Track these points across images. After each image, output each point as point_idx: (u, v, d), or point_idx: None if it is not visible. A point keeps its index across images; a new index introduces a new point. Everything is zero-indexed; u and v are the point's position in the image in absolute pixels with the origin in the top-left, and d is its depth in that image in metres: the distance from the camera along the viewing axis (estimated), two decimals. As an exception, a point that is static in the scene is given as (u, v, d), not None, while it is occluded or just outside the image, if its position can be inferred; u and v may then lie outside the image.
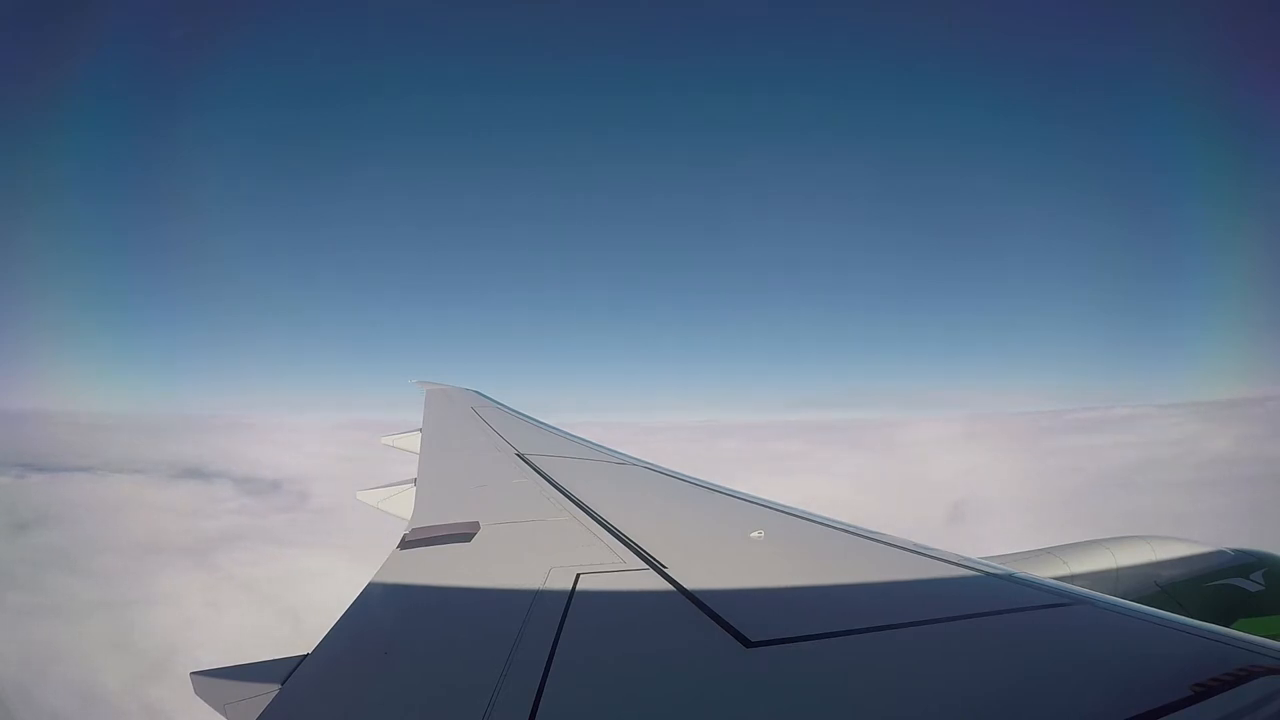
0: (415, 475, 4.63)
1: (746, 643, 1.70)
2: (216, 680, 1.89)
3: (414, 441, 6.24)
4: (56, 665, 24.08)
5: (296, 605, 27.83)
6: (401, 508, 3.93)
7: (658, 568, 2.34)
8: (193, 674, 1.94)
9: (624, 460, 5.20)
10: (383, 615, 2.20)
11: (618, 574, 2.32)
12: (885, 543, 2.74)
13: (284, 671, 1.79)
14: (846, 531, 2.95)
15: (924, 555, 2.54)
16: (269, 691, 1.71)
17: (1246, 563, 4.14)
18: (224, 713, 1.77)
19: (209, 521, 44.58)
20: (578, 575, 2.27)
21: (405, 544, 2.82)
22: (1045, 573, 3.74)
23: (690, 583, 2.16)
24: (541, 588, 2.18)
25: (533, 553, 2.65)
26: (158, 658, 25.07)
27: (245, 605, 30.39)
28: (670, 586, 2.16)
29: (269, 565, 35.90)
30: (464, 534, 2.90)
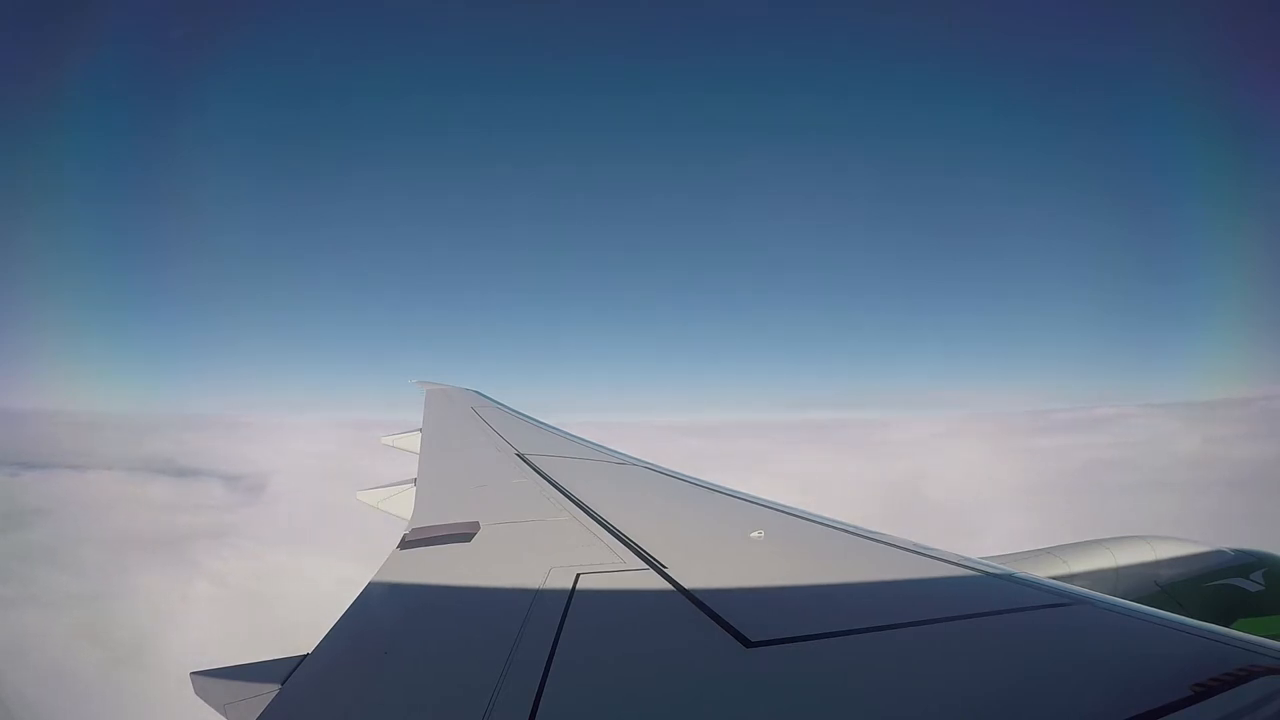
0: (415, 475, 4.63)
1: (746, 643, 1.70)
2: (216, 680, 1.89)
3: (414, 441, 6.24)
4: (35, 654, 24.28)
5: (275, 603, 28.10)
6: (401, 508, 3.93)
7: (658, 568, 2.34)
8: (193, 674, 1.94)
9: (624, 460, 5.20)
10: (383, 615, 2.20)
11: (618, 574, 2.31)
12: (885, 543, 2.74)
13: (284, 671, 1.79)
14: (846, 531, 2.95)
15: (924, 555, 2.54)
16: (269, 691, 1.71)
17: (1246, 563, 4.14)
18: (224, 713, 1.77)
19: (197, 519, 44.64)
20: (578, 575, 2.27)
21: (405, 544, 2.81)
22: (1045, 573, 3.74)
23: (690, 583, 2.16)
24: (541, 588, 2.17)
25: (533, 553, 2.65)
26: (132, 648, 25.50)
27: (223, 602, 30.51)
28: (670, 586, 2.16)
29: (256, 563, 35.99)
30: (464, 534, 2.90)
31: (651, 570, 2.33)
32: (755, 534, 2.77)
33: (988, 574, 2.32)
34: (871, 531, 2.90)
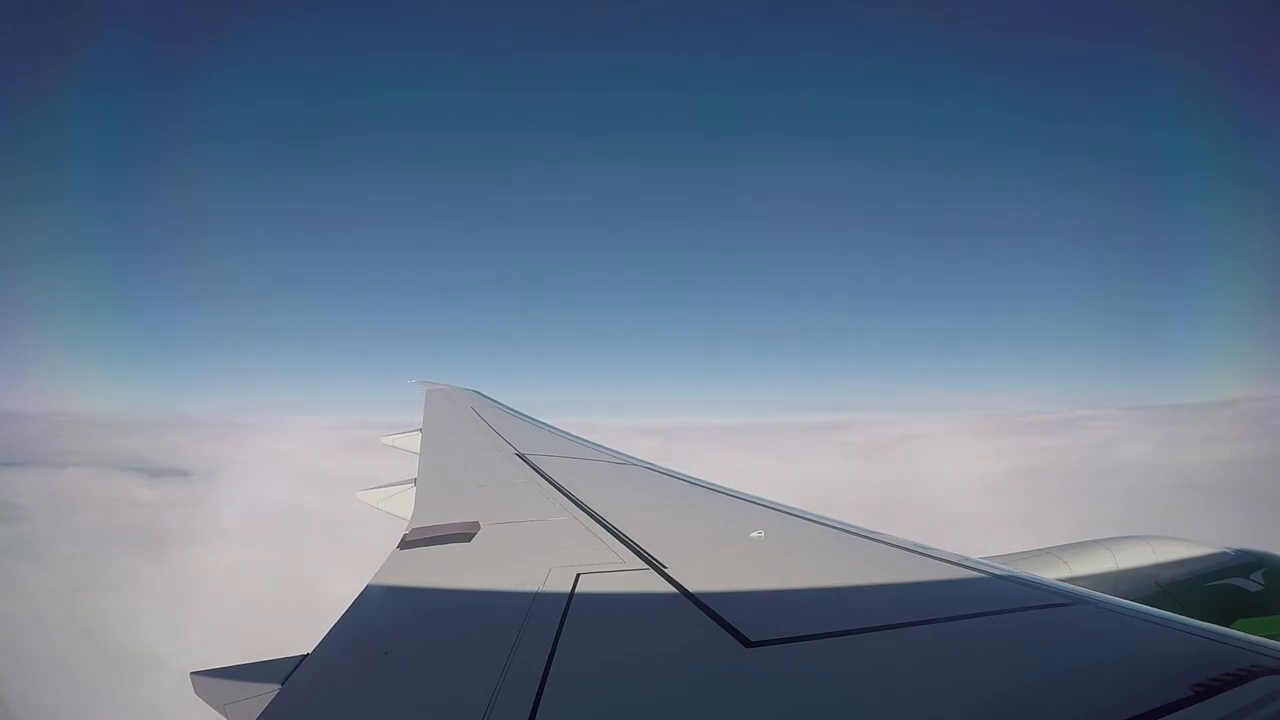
0: (415, 475, 4.63)
1: (746, 643, 1.70)
2: (216, 680, 1.89)
3: (414, 441, 6.24)
4: (16, 646, 24.47)
5: (255, 601, 28.30)
6: (401, 508, 3.93)
7: (658, 568, 2.34)
8: (193, 674, 1.94)
9: (624, 460, 5.20)
10: (383, 615, 2.20)
11: (618, 574, 2.31)
12: (885, 543, 2.74)
13: (284, 671, 1.79)
14: (846, 531, 2.95)
15: (924, 555, 2.54)
16: (269, 691, 1.71)
17: (1246, 563, 4.14)
18: (224, 713, 1.77)
19: (181, 517, 44.66)
20: (578, 575, 2.27)
21: (405, 544, 2.82)
22: (1045, 573, 3.74)
23: (690, 583, 2.16)
24: (541, 588, 2.17)
25: (533, 553, 2.65)
26: (107, 639, 25.93)
27: (200, 598, 30.54)
28: (670, 586, 2.16)
29: (240, 562, 36.01)
30: (464, 534, 2.90)
31: (651, 570, 2.33)
32: (755, 534, 2.77)
33: (988, 574, 2.32)
34: (871, 531, 2.90)
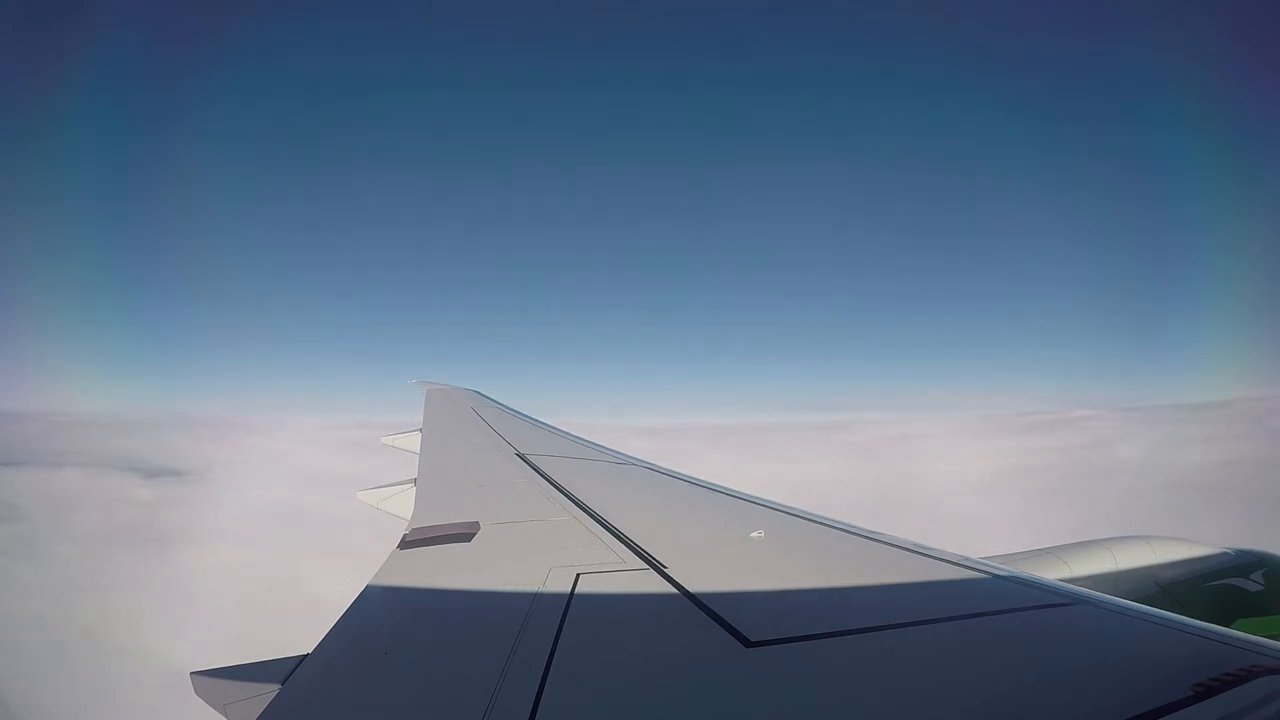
0: (415, 475, 4.64)
1: (746, 643, 1.70)
2: (216, 680, 1.89)
3: (414, 441, 6.24)
4: (12, 648, 24.58)
5: (246, 600, 28.41)
6: (401, 508, 3.93)
7: (658, 568, 2.34)
8: (193, 674, 1.94)
9: (624, 460, 5.20)
10: (383, 615, 2.20)
11: (618, 574, 2.32)
12: (885, 543, 2.74)
13: (284, 671, 1.79)
14: (846, 531, 2.95)
15: (924, 555, 2.54)
16: (269, 691, 1.71)
17: (1246, 563, 4.14)
18: (224, 713, 1.77)
19: (176, 517, 44.66)
20: (578, 575, 2.27)
21: (405, 544, 2.82)
22: (1045, 573, 3.74)
23: (690, 583, 2.16)
24: (541, 588, 2.18)
25: (533, 553, 2.66)
26: (99, 638, 26.02)
27: (194, 596, 30.59)
28: (670, 586, 2.16)
29: (234, 563, 36.03)
30: (464, 534, 2.90)
31: (651, 570, 2.33)
32: (755, 534, 2.77)
33: (988, 574, 2.32)
34: (871, 531, 2.90)
